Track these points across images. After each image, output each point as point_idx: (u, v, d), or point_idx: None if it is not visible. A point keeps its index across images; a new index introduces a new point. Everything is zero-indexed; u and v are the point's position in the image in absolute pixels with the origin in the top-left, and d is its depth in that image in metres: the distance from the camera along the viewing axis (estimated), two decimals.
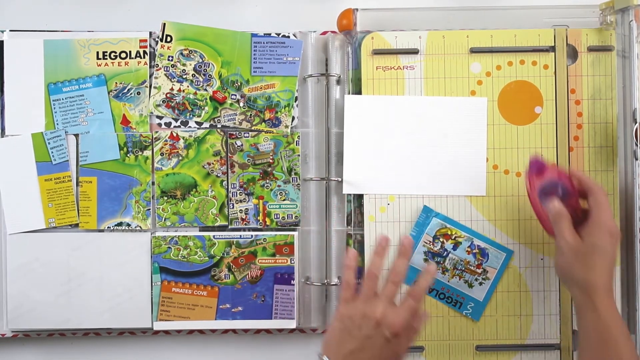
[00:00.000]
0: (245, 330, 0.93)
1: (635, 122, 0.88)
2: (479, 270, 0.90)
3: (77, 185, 0.92)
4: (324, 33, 0.94)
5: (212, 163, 0.93)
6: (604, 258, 0.78)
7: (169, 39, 0.92)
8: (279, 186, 0.92)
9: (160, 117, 0.93)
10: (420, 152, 0.91)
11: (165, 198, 0.92)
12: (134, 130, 0.93)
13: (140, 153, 0.92)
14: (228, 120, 0.93)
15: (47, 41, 0.92)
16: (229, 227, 0.93)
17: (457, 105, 0.92)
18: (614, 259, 0.78)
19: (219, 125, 0.93)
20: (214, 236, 0.92)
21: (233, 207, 0.93)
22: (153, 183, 0.93)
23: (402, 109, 0.92)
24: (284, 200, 0.93)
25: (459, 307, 0.90)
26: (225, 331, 0.94)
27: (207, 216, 0.92)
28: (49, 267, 0.91)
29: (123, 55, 0.92)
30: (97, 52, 0.92)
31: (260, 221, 0.92)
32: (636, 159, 0.88)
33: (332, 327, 0.79)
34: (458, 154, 0.91)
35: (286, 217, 0.93)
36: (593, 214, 0.80)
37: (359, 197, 0.92)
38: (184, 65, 0.92)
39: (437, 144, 0.91)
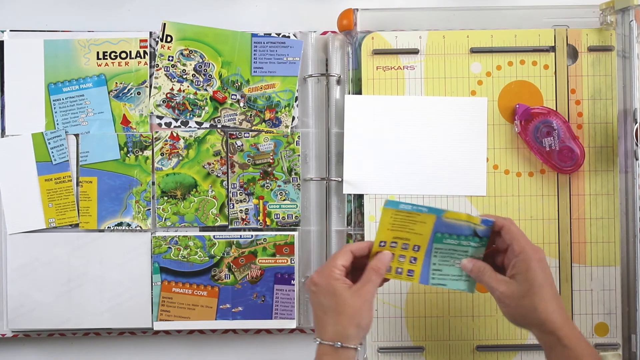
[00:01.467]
0: (245, 330, 0.93)
1: (635, 122, 0.88)
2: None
3: (77, 185, 0.92)
4: (324, 33, 0.94)
5: (213, 163, 0.93)
6: (545, 287, 0.74)
7: (169, 39, 0.92)
8: (279, 186, 0.93)
9: (160, 117, 0.93)
10: (420, 152, 0.91)
11: (166, 198, 0.92)
12: (134, 130, 0.93)
13: (140, 153, 0.92)
14: (228, 120, 0.93)
15: (47, 41, 0.92)
16: (229, 227, 0.93)
17: (457, 105, 0.92)
18: (551, 280, 0.75)
19: (219, 125, 0.93)
20: (214, 236, 0.92)
21: (233, 207, 0.93)
22: (153, 183, 0.93)
23: (402, 109, 0.92)
24: (284, 200, 0.93)
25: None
26: (226, 331, 0.94)
27: (207, 216, 0.92)
28: (49, 267, 0.91)
29: (123, 55, 0.92)
30: (97, 52, 0.92)
31: (261, 221, 0.93)
32: (636, 159, 0.88)
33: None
34: (458, 154, 0.91)
35: (286, 217, 0.93)
36: (514, 248, 0.76)
37: (359, 197, 0.92)
38: (184, 65, 0.92)
39: (438, 144, 0.91)
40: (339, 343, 0.74)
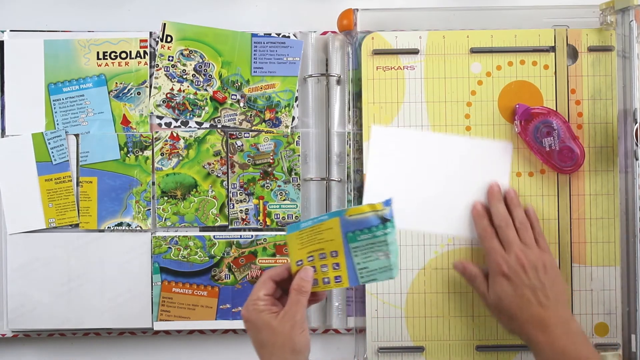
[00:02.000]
0: (245, 330, 0.93)
1: (635, 122, 0.88)
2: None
3: (77, 185, 0.92)
4: (324, 33, 0.94)
5: (213, 163, 0.93)
6: (513, 301, 0.81)
7: (169, 39, 0.92)
8: (279, 186, 0.93)
9: (160, 117, 0.93)
10: (441, 190, 0.90)
11: (166, 198, 0.92)
12: (134, 131, 0.93)
13: (140, 153, 0.92)
14: (228, 121, 0.93)
15: (47, 41, 0.92)
16: (229, 227, 0.93)
17: (482, 147, 0.90)
18: (523, 292, 0.81)
19: (219, 126, 0.93)
20: (214, 236, 0.92)
21: (233, 207, 0.93)
22: (153, 183, 0.93)
23: (426, 146, 0.90)
24: (284, 200, 0.93)
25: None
26: (226, 331, 0.94)
27: (207, 216, 0.92)
28: (49, 267, 0.91)
29: (123, 55, 0.92)
30: (98, 52, 0.92)
31: (261, 221, 0.93)
32: (636, 159, 0.88)
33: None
34: (479, 197, 0.90)
35: (286, 217, 0.93)
36: (487, 261, 0.85)
37: (359, 198, 0.92)
38: (184, 65, 0.92)
39: (459, 185, 0.90)
40: None
